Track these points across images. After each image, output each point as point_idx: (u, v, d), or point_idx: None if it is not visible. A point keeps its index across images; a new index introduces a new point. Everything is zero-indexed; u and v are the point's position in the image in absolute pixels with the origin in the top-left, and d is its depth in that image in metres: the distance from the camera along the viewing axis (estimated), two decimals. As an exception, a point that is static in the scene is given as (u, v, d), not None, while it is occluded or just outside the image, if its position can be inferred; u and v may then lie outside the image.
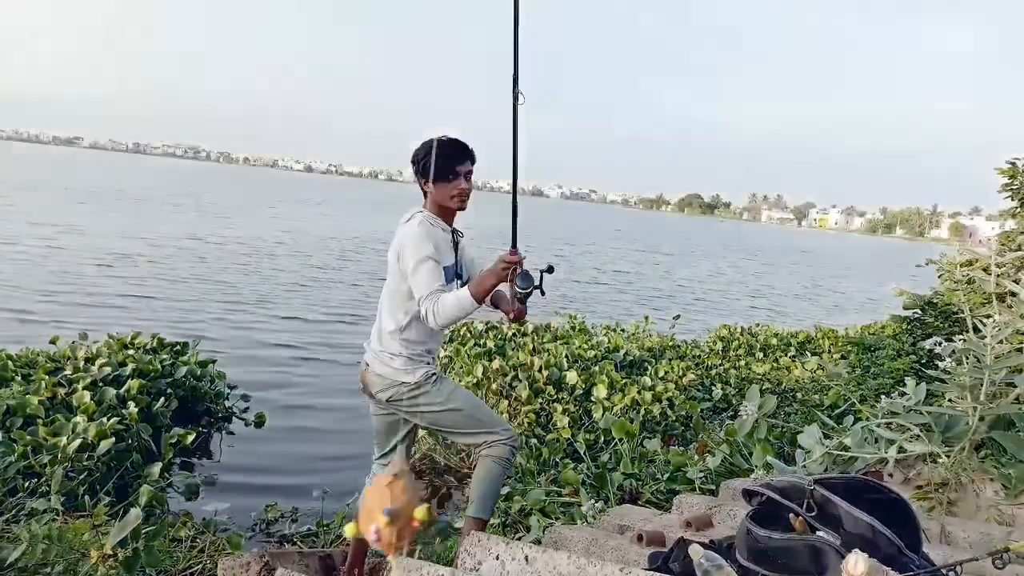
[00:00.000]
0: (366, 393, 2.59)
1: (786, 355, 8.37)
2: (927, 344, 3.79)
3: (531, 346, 7.40)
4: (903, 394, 2.65)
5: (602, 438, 4.99)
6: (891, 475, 2.64)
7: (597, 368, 6.34)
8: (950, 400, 2.55)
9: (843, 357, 7.31)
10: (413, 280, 2.39)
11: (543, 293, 2.40)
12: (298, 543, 3.92)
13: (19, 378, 4.91)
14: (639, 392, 5.61)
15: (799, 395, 6.19)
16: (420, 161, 2.48)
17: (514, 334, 8.13)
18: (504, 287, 2.47)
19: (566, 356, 6.66)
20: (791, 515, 1.69)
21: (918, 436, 2.44)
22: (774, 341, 8.95)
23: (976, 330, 2.47)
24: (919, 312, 4.39)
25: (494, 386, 5.91)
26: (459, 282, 2.58)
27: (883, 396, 2.85)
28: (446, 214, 2.54)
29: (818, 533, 1.63)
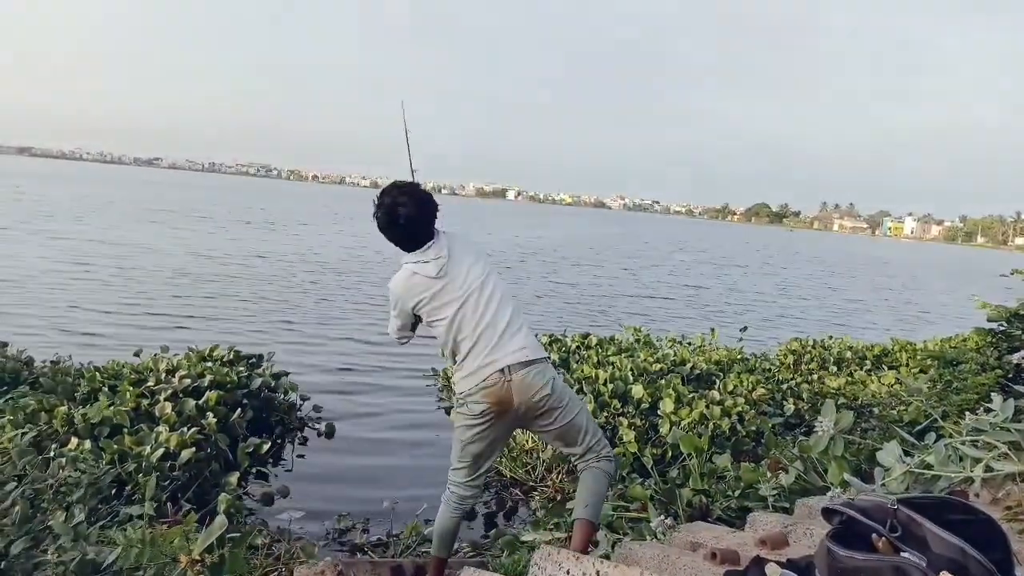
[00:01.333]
0: (504, 407, 2.62)
1: (861, 369, 8.08)
2: (1014, 358, 3.60)
3: (595, 359, 7.36)
4: (989, 410, 2.54)
5: (670, 453, 4.91)
6: (977, 495, 2.53)
7: (663, 382, 6.25)
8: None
9: (922, 371, 7.02)
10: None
11: None
12: (369, 553, 3.99)
13: (106, 389, 5.15)
14: (707, 406, 5.51)
15: (876, 410, 5.97)
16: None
17: (578, 346, 8.11)
18: None
19: (631, 369, 6.60)
20: (874, 536, 1.64)
21: (1006, 454, 2.33)
22: (848, 354, 8.66)
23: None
24: (1005, 324, 4.19)
25: (559, 399, 5.89)
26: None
27: (967, 412, 2.73)
28: None
29: (903, 555, 1.57)
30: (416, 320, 2.81)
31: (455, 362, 2.74)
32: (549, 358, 2.79)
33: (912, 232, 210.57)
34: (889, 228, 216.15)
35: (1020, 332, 4.00)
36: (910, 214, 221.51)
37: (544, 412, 2.65)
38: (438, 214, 2.75)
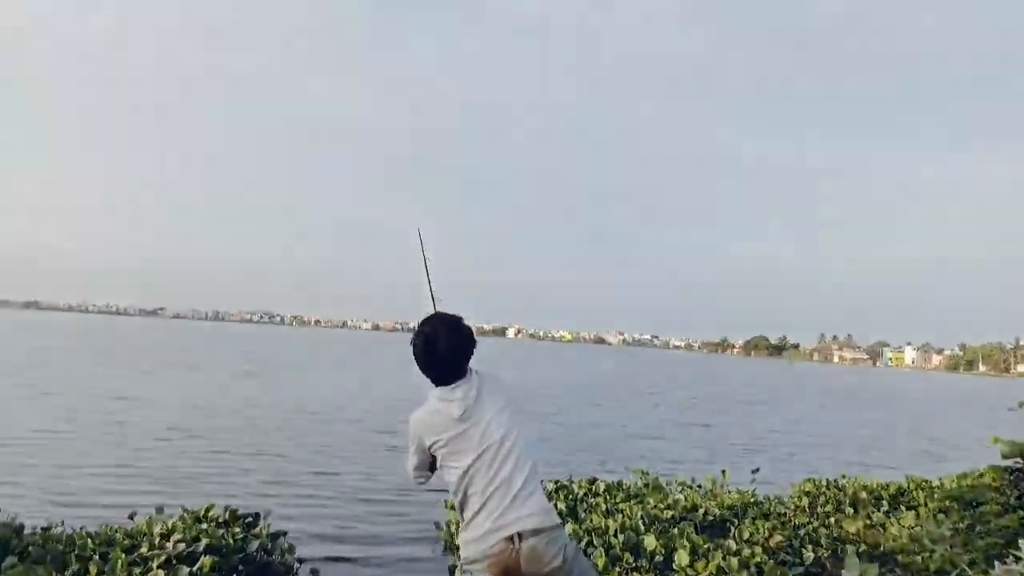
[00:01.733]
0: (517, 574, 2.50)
1: (879, 510, 7.81)
2: (1037, 503, 3.49)
3: (604, 507, 7.13)
4: (1019, 558, 2.45)
5: (688, 611, 4.66)
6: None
7: (676, 531, 6.02)
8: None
9: (942, 511, 6.79)
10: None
11: None
12: None
13: (96, 557, 4.95)
14: (724, 557, 5.28)
15: (899, 557, 5.71)
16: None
17: (585, 493, 7.87)
18: None
19: (642, 517, 6.38)
20: None
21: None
22: (864, 494, 8.38)
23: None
24: (1021, 461, 4.10)
25: (568, 553, 5.65)
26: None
27: (995, 559, 2.63)
28: None
29: None
30: (433, 460, 2.74)
31: (463, 517, 2.65)
32: (563, 524, 2.68)
33: (913, 362, 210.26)
34: (890, 358, 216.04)
35: (1038, 472, 3.91)
36: (909, 343, 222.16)
37: None
38: (474, 351, 2.76)
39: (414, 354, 2.74)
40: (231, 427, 15.82)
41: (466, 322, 2.82)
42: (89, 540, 5.22)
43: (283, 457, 12.68)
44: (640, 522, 6.23)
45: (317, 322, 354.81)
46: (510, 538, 2.47)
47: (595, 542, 5.86)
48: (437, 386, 2.75)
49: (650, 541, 5.65)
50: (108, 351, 44.61)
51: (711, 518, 6.92)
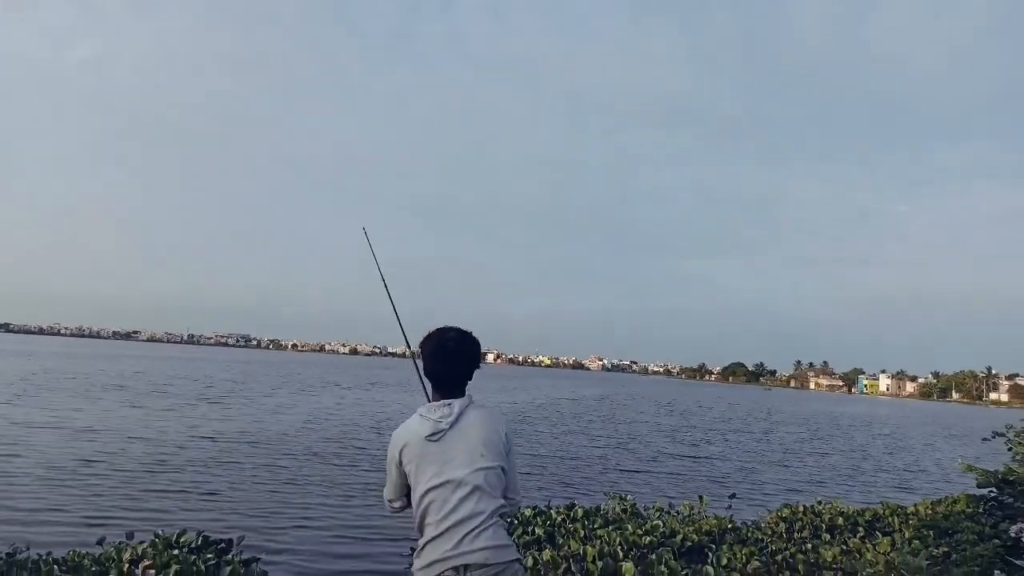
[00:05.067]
0: None
1: (855, 536, 7.83)
2: (1012, 531, 3.52)
3: (582, 533, 7.08)
4: (993, 587, 2.45)
5: (666, 638, 4.62)
6: None
7: (654, 557, 5.99)
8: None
9: (917, 538, 6.82)
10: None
11: None
12: None
13: (63, 583, 4.82)
14: (702, 584, 5.26)
15: (876, 584, 5.72)
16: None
17: (563, 519, 7.81)
18: None
19: (620, 544, 6.34)
20: None
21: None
22: (840, 520, 8.41)
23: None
24: (995, 490, 4.14)
25: (546, 580, 5.60)
26: None
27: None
28: None
29: None
30: (407, 485, 2.69)
31: (418, 542, 2.61)
32: (519, 559, 2.60)
33: (888, 389, 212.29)
34: (865, 385, 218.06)
35: (1012, 500, 3.95)
36: (883, 371, 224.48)
37: None
38: (478, 367, 2.79)
39: (424, 353, 2.77)
40: (202, 449, 15.57)
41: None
42: (56, 566, 5.09)
43: (256, 480, 12.48)
44: (618, 548, 6.19)
45: (294, 346, 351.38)
46: (456, 569, 2.45)
47: (573, 568, 5.81)
48: (434, 391, 2.77)
49: (628, 568, 5.62)
50: (80, 375, 43.79)
51: (689, 544, 6.89)
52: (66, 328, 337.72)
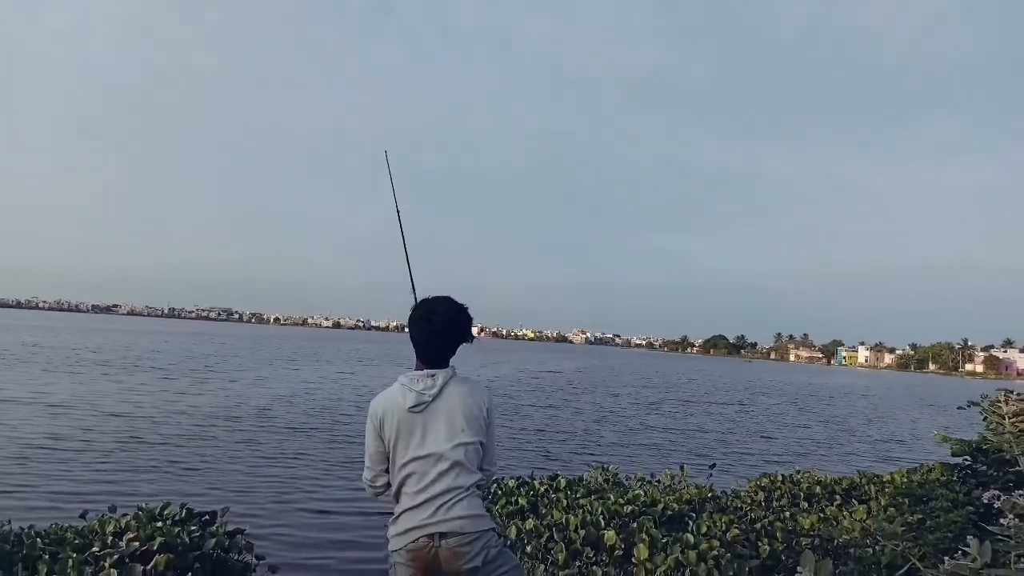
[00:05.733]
0: (430, 573, 2.49)
1: (832, 504, 7.98)
2: (985, 497, 3.60)
3: (565, 503, 7.15)
4: (966, 553, 2.51)
5: (647, 604, 4.70)
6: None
7: (635, 525, 6.07)
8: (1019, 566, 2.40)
9: (892, 506, 6.96)
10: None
11: None
12: None
13: (46, 556, 4.81)
14: (683, 551, 5.34)
15: (852, 551, 5.85)
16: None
17: (546, 489, 7.89)
18: None
19: (602, 513, 6.42)
20: None
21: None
22: (817, 489, 8.57)
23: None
24: (969, 459, 4.23)
25: (528, 549, 5.67)
26: None
27: (944, 555, 2.69)
28: None
29: None
30: (386, 455, 2.65)
31: (394, 509, 2.62)
32: (493, 529, 2.63)
33: (866, 360, 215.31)
34: (844, 357, 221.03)
35: (985, 468, 4.04)
36: (862, 343, 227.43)
37: None
38: (469, 337, 2.73)
39: (410, 322, 2.71)
40: (191, 424, 15.54)
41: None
42: (38, 539, 5.07)
43: (239, 456, 12.48)
44: (600, 517, 6.27)
45: (277, 320, 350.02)
46: (431, 536, 2.48)
47: (556, 537, 5.88)
48: (417, 360, 2.71)
49: (610, 536, 5.70)
50: (55, 348, 43.39)
51: (670, 513, 6.99)
52: (44, 302, 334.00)
